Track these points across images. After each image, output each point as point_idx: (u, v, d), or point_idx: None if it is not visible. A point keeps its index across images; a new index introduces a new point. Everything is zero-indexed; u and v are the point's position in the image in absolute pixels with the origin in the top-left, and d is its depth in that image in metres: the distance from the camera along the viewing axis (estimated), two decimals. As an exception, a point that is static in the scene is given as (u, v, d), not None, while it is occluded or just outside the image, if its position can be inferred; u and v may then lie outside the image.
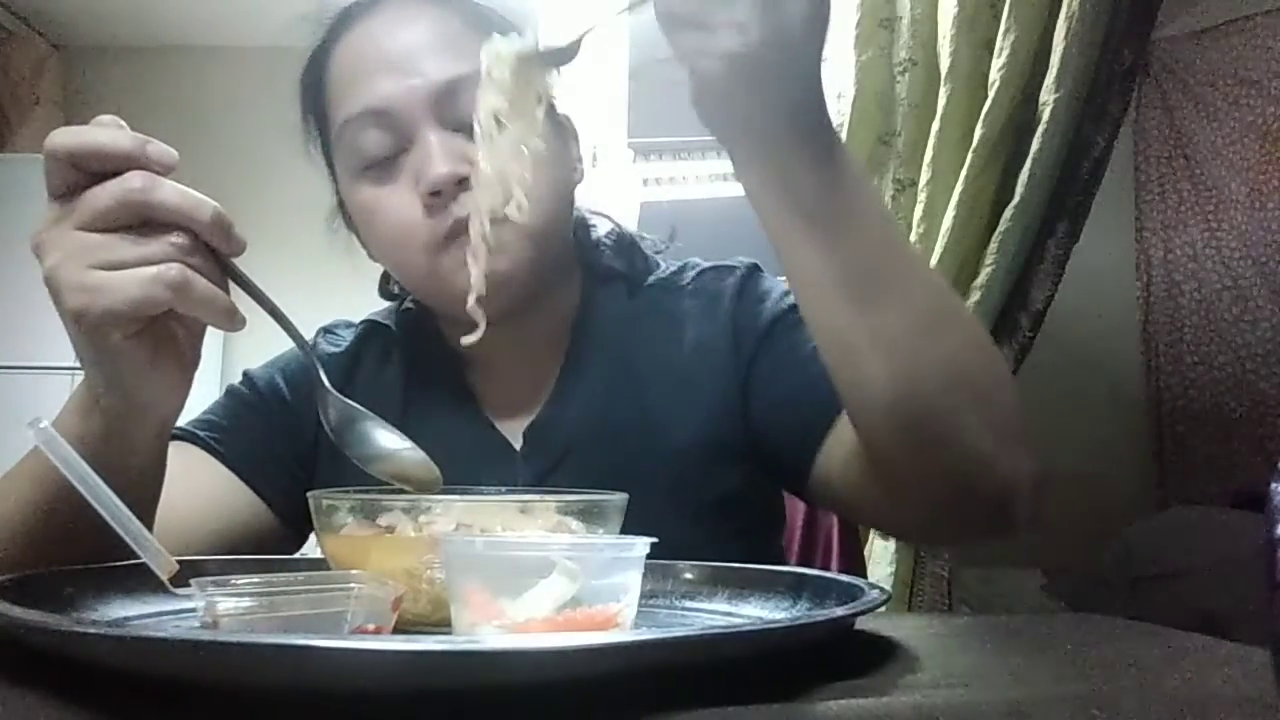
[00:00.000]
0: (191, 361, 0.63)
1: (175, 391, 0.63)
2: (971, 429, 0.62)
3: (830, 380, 0.65)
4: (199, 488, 0.81)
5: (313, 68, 0.86)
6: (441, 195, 0.76)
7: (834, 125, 0.61)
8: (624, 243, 0.95)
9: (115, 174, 0.55)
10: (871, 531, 1.87)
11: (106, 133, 0.56)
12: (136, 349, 0.58)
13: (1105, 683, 0.42)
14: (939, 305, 0.64)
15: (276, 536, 0.85)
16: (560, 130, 0.87)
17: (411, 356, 0.91)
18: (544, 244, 0.80)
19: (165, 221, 0.56)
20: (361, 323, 0.97)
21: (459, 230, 0.75)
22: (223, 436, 0.85)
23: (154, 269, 0.55)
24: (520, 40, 0.62)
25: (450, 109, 0.77)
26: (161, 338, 0.59)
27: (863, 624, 0.54)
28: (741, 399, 0.83)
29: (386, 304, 0.98)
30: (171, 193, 0.56)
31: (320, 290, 1.84)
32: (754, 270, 0.89)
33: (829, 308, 0.62)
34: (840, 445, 0.74)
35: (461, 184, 0.76)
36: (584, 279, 0.92)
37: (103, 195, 0.55)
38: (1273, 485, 0.38)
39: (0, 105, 3.50)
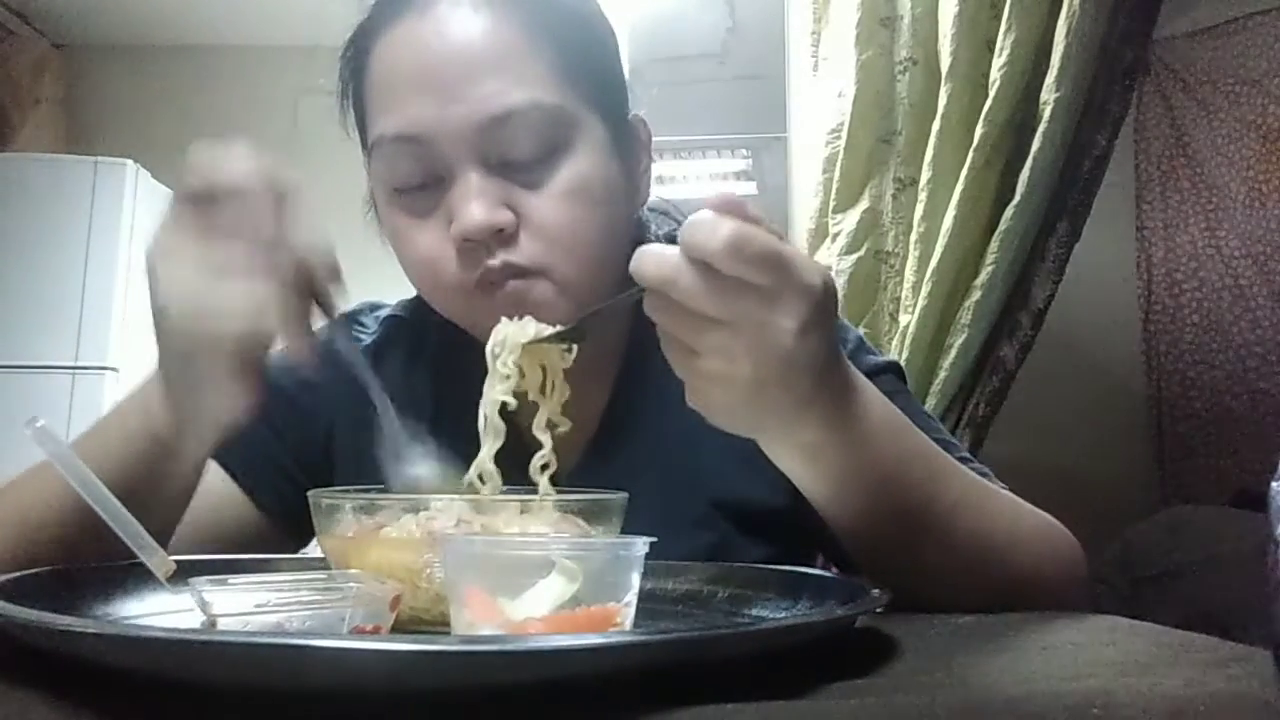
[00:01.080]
0: (257, 380, 0.62)
1: (239, 405, 0.62)
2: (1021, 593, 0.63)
3: None
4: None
5: (354, 52, 0.79)
6: (476, 244, 0.71)
7: (849, 382, 0.60)
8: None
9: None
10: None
11: (244, 160, 0.57)
12: (220, 358, 0.59)
13: (1105, 683, 0.42)
14: (981, 524, 0.65)
15: (272, 542, 0.82)
16: (624, 147, 0.79)
17: (441, 362, 0.85)
18: (591, 289, 0.74)
19: (282, 247, 0.57)
20: (388, 316, 0.90)
21: (491, 279, 0.71)
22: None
23: (255, 283, 0.56)
24: (527, 325, 0.63)
25: (496, 144, 0.71)
26: (240, 353, 0.60)
27: (863, 624, 0.53)
28: None
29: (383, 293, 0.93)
30: (293, 221, 0.57)
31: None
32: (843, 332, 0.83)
33: (864, 538, 0.64)
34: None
35: (499, 234, 0.70)
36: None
37: (230, 208, 0.57)
38: (1273, 485, 0.38)
39: (1, 104, 3.50)
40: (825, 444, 0.59)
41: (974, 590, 0.62)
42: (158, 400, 0.62)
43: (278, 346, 0.59)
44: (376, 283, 0.96)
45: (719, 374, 0.52)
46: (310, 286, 0.58)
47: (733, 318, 0.51)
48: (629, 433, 0.81)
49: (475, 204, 0.70)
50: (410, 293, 0.90)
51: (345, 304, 0.63)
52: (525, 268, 0.71)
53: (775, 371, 0.52)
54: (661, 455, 0.79)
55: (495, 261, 0.71)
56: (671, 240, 0.86)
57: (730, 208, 0.50)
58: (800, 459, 0.60)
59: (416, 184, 0.73)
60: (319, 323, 0.61)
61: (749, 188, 4.27)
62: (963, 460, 0.74)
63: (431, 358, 0.86)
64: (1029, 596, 0.64)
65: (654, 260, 0.52)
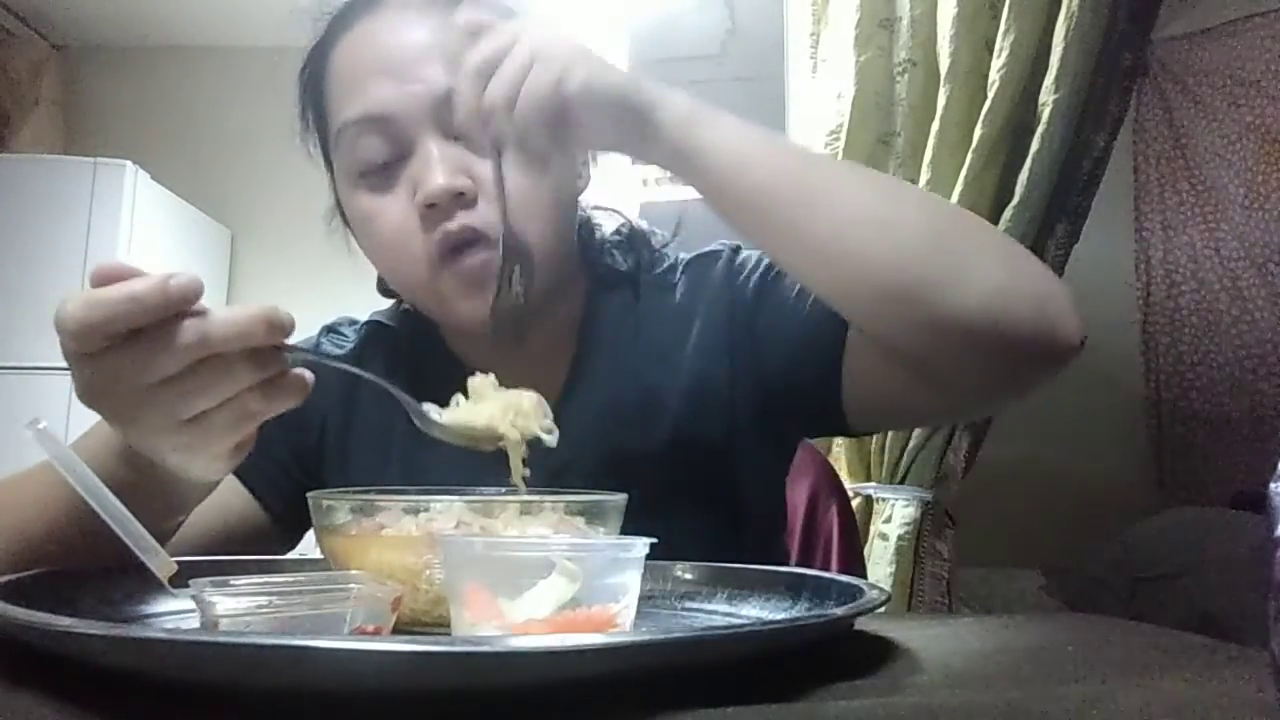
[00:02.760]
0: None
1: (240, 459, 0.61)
2: (965, 284, 0.63)
3: (823, 310, 0.72)
4: None
5: (312, 64, 0.84)
6: (437, 208, 0.75)
7: (648, 99, 0.67)
8: (633, 238, 0.93)
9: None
10: (871, 531, 1.87)
11: (126, 296, 0.50)
12: (222, 460, 0.59)
13: (1105, 683, 0.42)
14: (878, 197, 0.68)
15: (270, 536, 0.85)
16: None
17: (415, 360, 0.89)
18: (544, 264, 0.78)
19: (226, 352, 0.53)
20: (365, 322, 0.95)
21: (451, 244, 0.75)
22: None
23: (237, 409, 0.54)
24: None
25: (450, 117, 0.76)
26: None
27: (863, 624, 0.54)
28: (754, 365, 0.82)
29: (388, 302, 0.96)
30: (224, 328, 0.52)
31: (321, 290, 1.84)
32: (735, 250, 0.89)
33: (767, 233, 0.68)
34: (855, 360, 0.76)
35: (459, 198, 0.75)
36: (588, 283, 0.90)
37: (162, 361, 0.51)
38: (1272, 485, 0.38)
39: (1, 104, 3.50)
40: (682, 156, 0.67)
41: (884, 249, 0.64)
42: (119, 446, 0.61)
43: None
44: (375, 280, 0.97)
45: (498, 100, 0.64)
46: (262, 356, 0.54)
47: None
48: (588, 395, 0.85)
49: (436, 169, 0.75)
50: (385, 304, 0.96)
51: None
52: (482, 231, 0.75)
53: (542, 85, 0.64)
54: (616, 410, 0.84)
55: (454, 225, 0.75)
56: (628, 233, 0.95)
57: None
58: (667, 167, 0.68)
59: (380, 163, 0.77)
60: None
61: (748, 189, 4.29)
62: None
63: (407, 360, 0.90)
64: (972, 319, 0.63)
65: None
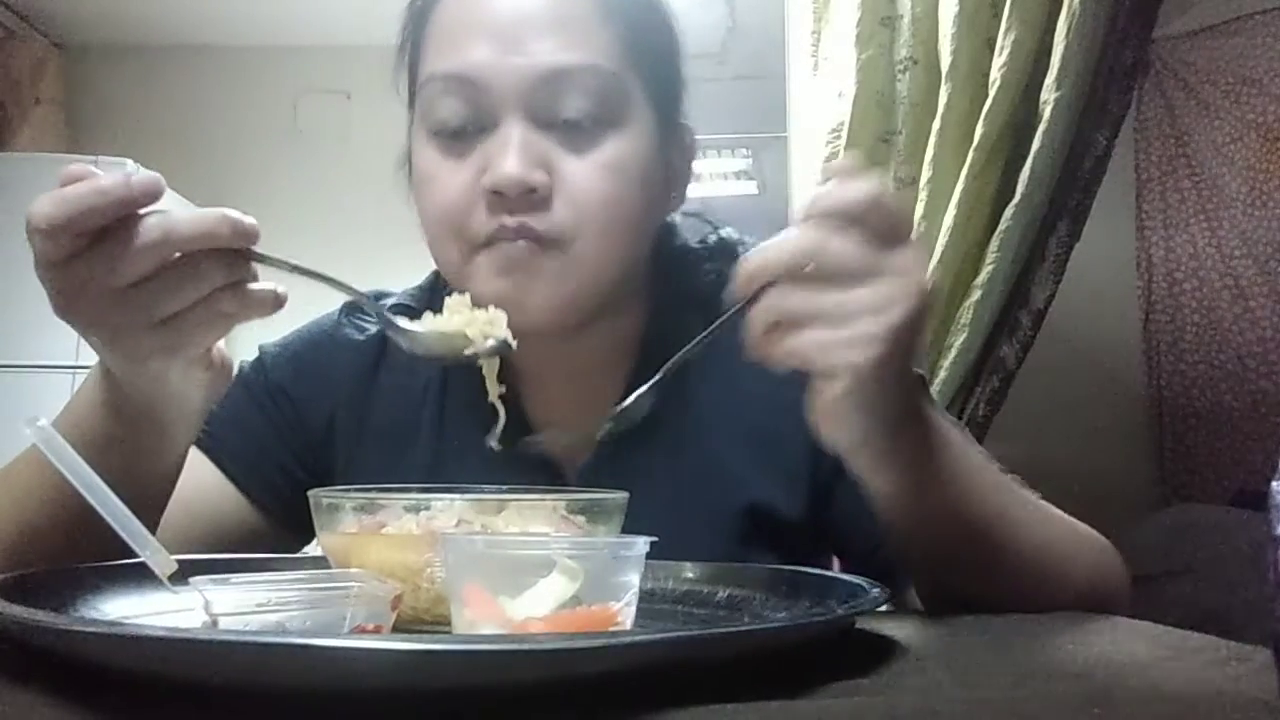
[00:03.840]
0: (228, 358, 0.62)
1: (221, 387, 0.62)
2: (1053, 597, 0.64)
3: None
4: (188, 486, 0.74)
5: (421, 4, 0.77)
6: (503, 198, 0.69)
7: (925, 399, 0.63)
8: (721, 250, 0.84)
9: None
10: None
11: (91, 189, 0.51)
12: (196, 369, 0.59)
13: (1105, 683, 0.42)
14: (1040, 546, 0.66)
15: (271, 538, 0.81)
16: (671, 146, 0.78)
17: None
18: (600, 277, 0.72)
19: (190, 251, 0.54)
20: (394, 305, 0.84)
21: (502, 237, 0.69)
22: (215, 432, 0.80)
23: (209, 309, 0.55)
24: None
25: (546, 99, 0.70)
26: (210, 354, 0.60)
27: (863, 624, 0.53)
28: (814, 472, 0.76)
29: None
30: (188, 226, 0.53)
31: (321, 289, 1.84)
32: None
33: (929, 542, 0.64)
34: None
35: (530, 194, 0.68)
36: (657, 298, 0.82)
37: (130, 260, 0.52)
38: (1273, 484, 0.38)
39: (1, 104, 3.50)
40: (918, 452, 0.60)
41: (1027, 606, 0.62)
42: (101, 395, 0.61)
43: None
44: (379, 281, 0.96)
45: (870, 336, 0.52)
46: (227, 258, 0.55)
47: (885, 266, 0.52)
48: (643, 431, 0.79)
49: (513, 157, 0.68)
50: (416, 280, 0.89)
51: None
52: (544, 236, 0.69)
53: (912, 327, 0.53)
54: (677, 456, 0.78)
55: (512, 221, 0.69)
56: (716, 244, 0.85)
57: (850, 173, 0.53)
58: (893, 467, 0.60)
59: (458, 125, 0.71)
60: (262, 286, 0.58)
61: (749, 187, 4.27)
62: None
63: None
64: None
65: (785, 242, 0.52)
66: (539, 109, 0.70)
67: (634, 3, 0.75)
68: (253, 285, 0.56)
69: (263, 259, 0.56)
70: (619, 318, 0.79)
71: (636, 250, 0.76)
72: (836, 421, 0.56)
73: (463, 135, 0.71)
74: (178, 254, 0.53)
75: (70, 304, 0.54)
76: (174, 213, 0.53)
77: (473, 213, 0.70)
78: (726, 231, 0.86)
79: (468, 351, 0.61)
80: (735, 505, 0.77)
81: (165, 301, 0.54)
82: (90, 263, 0.52)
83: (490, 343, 0.62)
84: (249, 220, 0.55)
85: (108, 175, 0.52)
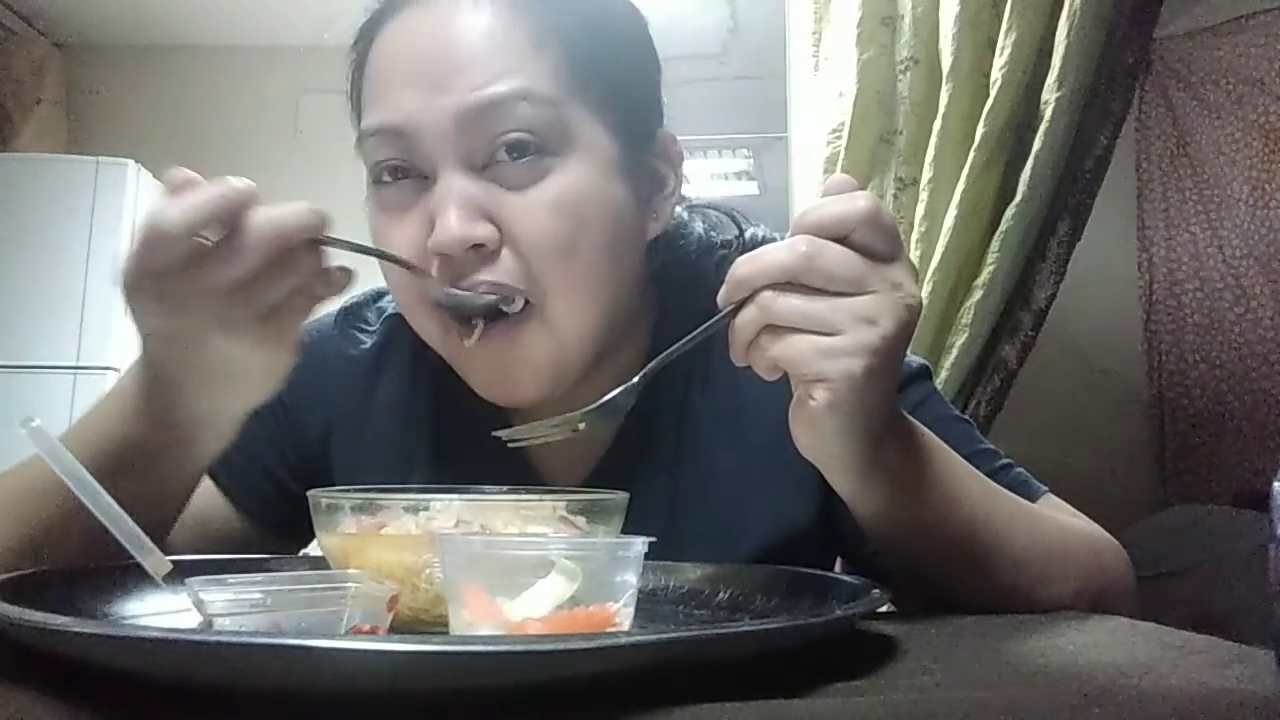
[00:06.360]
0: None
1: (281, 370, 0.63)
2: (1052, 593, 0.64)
3: None
4: None
5: (359, 43, 0.74)
6: (450, 259, 0.65)
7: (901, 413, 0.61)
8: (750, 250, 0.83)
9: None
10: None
11: (217, 192, 0.54)
12: (285, 354, 0.61)
13: (1106, 683, 0.42)
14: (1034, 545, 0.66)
15: (258, 545, 0.79)
16: (638, 170, 0.72)
17: (448, 372, 0.75)
18: (583, 330, 0.69)
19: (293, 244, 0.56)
20: (389, 316, 0.83)
21: (460, 310, 0.66)
22: None
23: (303, 294, 0.58)
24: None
25: (478, 137, 0.65)
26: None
27: (862, 624, 0.53)
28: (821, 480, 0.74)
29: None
30: (292, 219, 0.55)
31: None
32: None
33: (909, 550, 0.64)
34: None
35: (477, 250, 0.65)
36: (662, 316, 0.78)
37: (248, 255, 0.54)
38: (1274, 485, 0.38)
39: (2, 104, 3.50)
40: (900, 464, 0.60)
41: (1021, 608, 0.62)
42: (142, 405, 0.61)
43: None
44: (378, 280, 0.95)
45: (860, 346, 0.52)
46: (310, 246, 0.57)
47: (878, 279, 0.52)
48: (640, 457, 0.76)
49: (452, 213, 0.64)
50: None
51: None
52: (506, 287, 0.66)
53: (902, 340, 0.53)
54: (674, 482, 0.76)
55: (466, 282, 0.66)
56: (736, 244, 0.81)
57: (845, 187, 0.54)
58: (873, 481, 0.60)
59: (397, 178, 0.69)
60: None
61: (750, 187, 4.27)
62: (1004, 466, 0.74)
63: (434, 374, 0.79)
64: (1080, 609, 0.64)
65: (778, 250, 0.52)
66: (472, 149, 0.66)
67: (575, 24, 0.69)
68: (330, 266, 0.58)
69: (332, 242, 0.59)
70: (621, 350, 0.76)
71: (615, 286, 0.71)
72: (818, 434, 0.56)
73: (404, 186, 0.68)
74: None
75: (178, 308, 0.56)
76: (269, 209, 0.55)
77: (427, 275, 0.67)
78: (752, 232, 0.82)
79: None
80: (738, 529, 0.75)
81: (272, 291, 0.56)
82: (213, 262, 0.54)
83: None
84: (324, 211, 0.57)
85: (216, 181, 0.54)
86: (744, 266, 0.53)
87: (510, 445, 0.61)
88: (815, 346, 0.52)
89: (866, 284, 0.52)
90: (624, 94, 0.72)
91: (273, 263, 0.55)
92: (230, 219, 0.54)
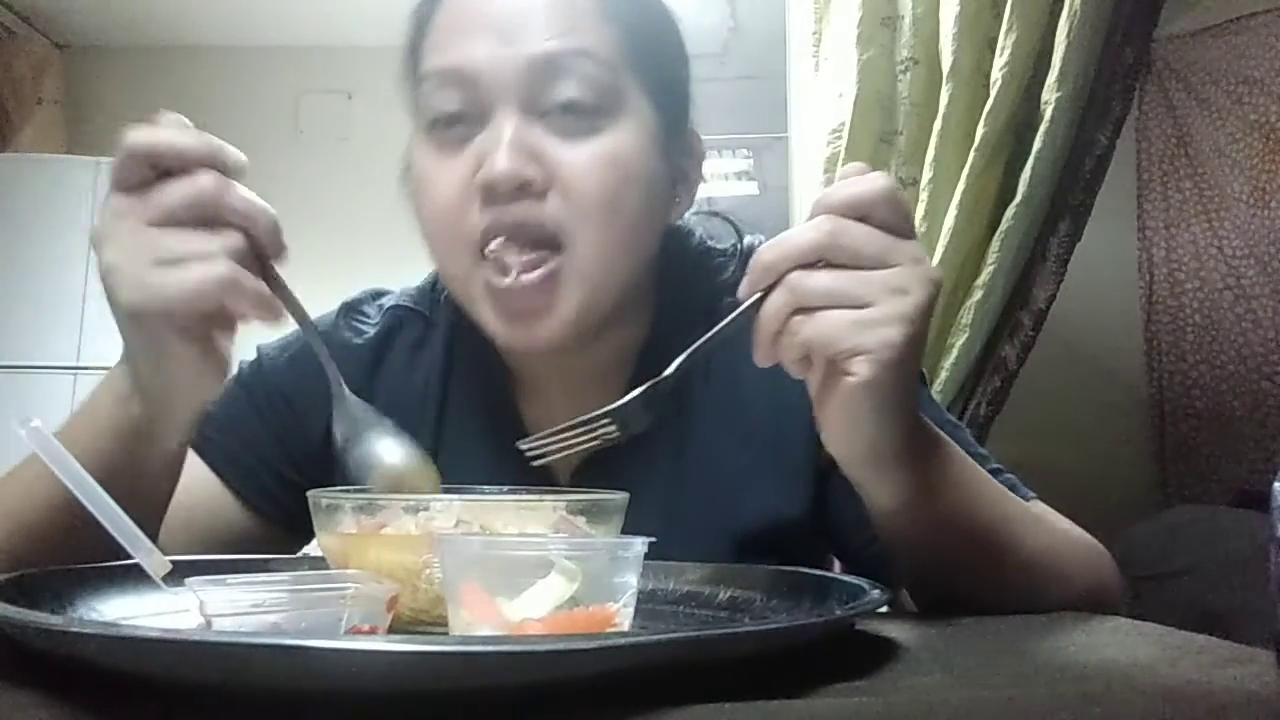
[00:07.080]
0: (226, 357, 0.62)
1: (211, 386, 0.61)
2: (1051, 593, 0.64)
3: None
4: (183, 488, 0.72)
5: (422, 8, 0.77)
6: (497, 194, 0.68)
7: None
8: (745, 259, 0.82)
9: (182, 172, 0.55)
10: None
11: (187, 134, 0.55)
12: (186, 344, 0.58)
13: (1106, 683, 0.42)
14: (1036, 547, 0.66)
15: (265, 541, 0.80)
16: (673, 151, 0.76)
17: (449, 361, 0.81)
18: (606, 282, 0.71)
19: (227, 222, 0.55)
20: (392, 306, 0.86)
21: (495, 233, 0.68)
22: (210, 435, 0.79)
23: (210, 269, 0.55)
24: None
25: (539, 86, 0.69)
26: (206, 335, 0.59)
27: (862, 624, 0.53)
28: (815, 468, 0.76)
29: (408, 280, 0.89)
30: (239, 197, 0.55)
31: (320, 291, 1.84)
32: None
33: (915, 542, 0.64)
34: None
35: (525, 188, 0.68)
36: (661, 307, 0.81)
37: (175, 193, 0.54)
38: (1274, 485, 0.38)
39: (3, 105, 3.50)
40: (924, 457, 0.60)
41: (1026, 610, 0.62)
42: (127, 389, 0.61)
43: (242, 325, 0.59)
44: (379, 280, 0.96)
45: (895, 315, 0.53)
46: (256, 255, 0.57)
47: (899, 255, 0.53)
48: (642, 442, 0.75)
49: (504, 151, 0.67)
50: (416, 280, 0.89)
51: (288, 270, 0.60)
52: (549, 229, 0.68)
53: (930, 313, 0.54)
54: (675, 463, 0.77)
55: (508, 219, 0.68)
56: (733, 252, 0.83)
57: (859, 170, 0.55)
58: (900, 473, 0.60)
59: (453, 121, 0.71)
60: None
61: (750, 187, 4.28)
62: (994, 472, 0.74)
63: (440, 360, 0.82)
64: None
65: (801, 233, 0.53)
66: (532, 97, 0.69)
67: (635, 8, 0.74)
68: (258, 283, 0.57)
69: (273, 278, 0.58)
70: (623, 329, 0.78)
71: (640, 252, 0.75)
72: (852, 416, 0.56)
73: (457, 129, 0.71)
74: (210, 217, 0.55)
75: (108, 231, 0.56)
76: (235, 186, 0.55)
77: (468, 210, 0.70)
78: (750, 240, 0.84)
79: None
80: (734, 515, 0.76)
81: (184, 239, 0.55)
82: (151, 191, 0.54)
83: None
84: (277, 221, 0.57)
85: (207, 136, 0.55)
86: (769, 252, 0.53)
87: (532, 460, 0.60)
88: (851, 319, 0.52)
89: (892, 258, 0.53)
90: (669, 81, 0.77)
91: (196, 218, 0.54)
92: (189, 164, 0.54)
